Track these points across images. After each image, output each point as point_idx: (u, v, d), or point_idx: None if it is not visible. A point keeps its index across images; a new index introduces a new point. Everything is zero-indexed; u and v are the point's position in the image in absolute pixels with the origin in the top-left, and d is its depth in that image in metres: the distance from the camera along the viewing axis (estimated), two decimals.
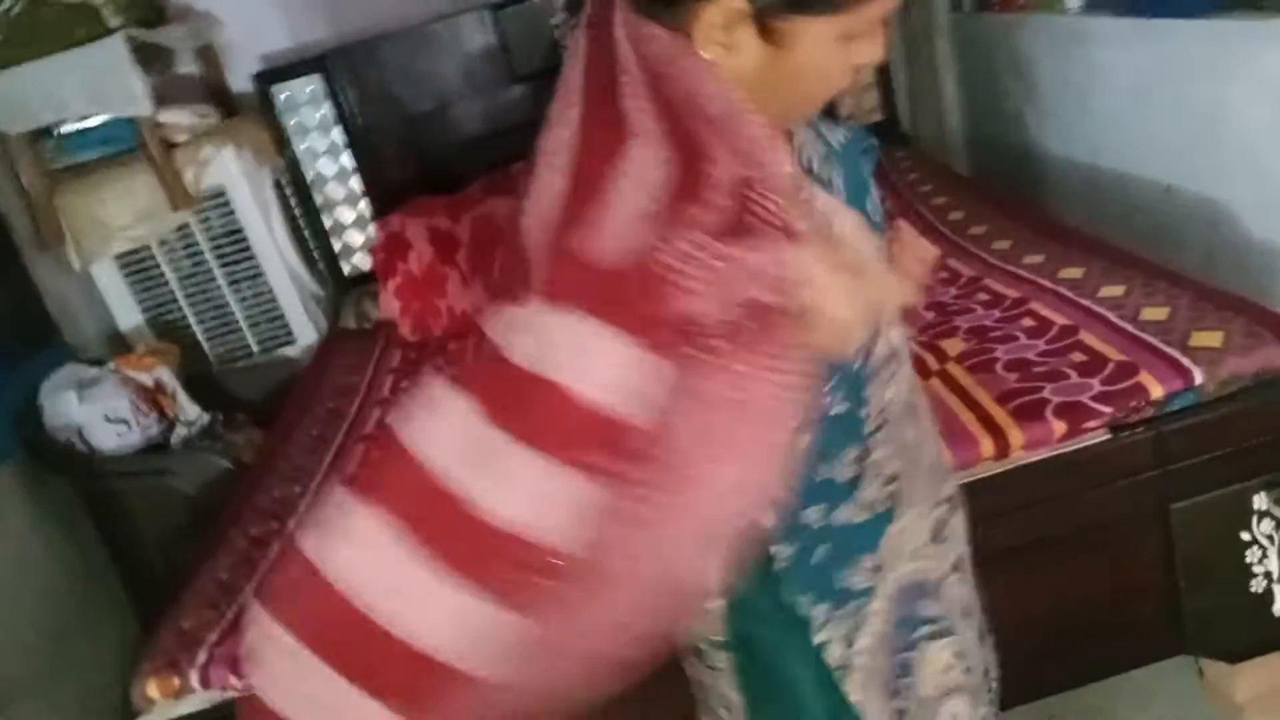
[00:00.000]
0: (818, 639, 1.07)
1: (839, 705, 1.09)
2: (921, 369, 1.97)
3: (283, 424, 2.67)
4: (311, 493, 2.18)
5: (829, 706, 1.09)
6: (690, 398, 0.76)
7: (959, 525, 1.21)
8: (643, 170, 0.81)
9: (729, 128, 0.82)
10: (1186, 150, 2.43)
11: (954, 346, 2.03)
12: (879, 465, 1.06)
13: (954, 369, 1.94)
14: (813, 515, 1.04)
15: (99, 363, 2.78)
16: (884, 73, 3.55)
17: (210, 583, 1.93)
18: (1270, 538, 1.73)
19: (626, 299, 0.78)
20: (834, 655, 1.08)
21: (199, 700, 1.64)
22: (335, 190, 3.37)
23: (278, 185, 3.30)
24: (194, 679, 1.63)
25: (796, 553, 1.04)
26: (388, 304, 2.96)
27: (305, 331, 3.29)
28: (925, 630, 1.14)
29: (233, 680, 1.62)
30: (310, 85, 3.27)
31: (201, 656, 1.66)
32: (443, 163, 3.33)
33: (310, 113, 3.29)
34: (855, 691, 1.09)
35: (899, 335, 1.09)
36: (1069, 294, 2.11)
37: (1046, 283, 2.20)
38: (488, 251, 2.85)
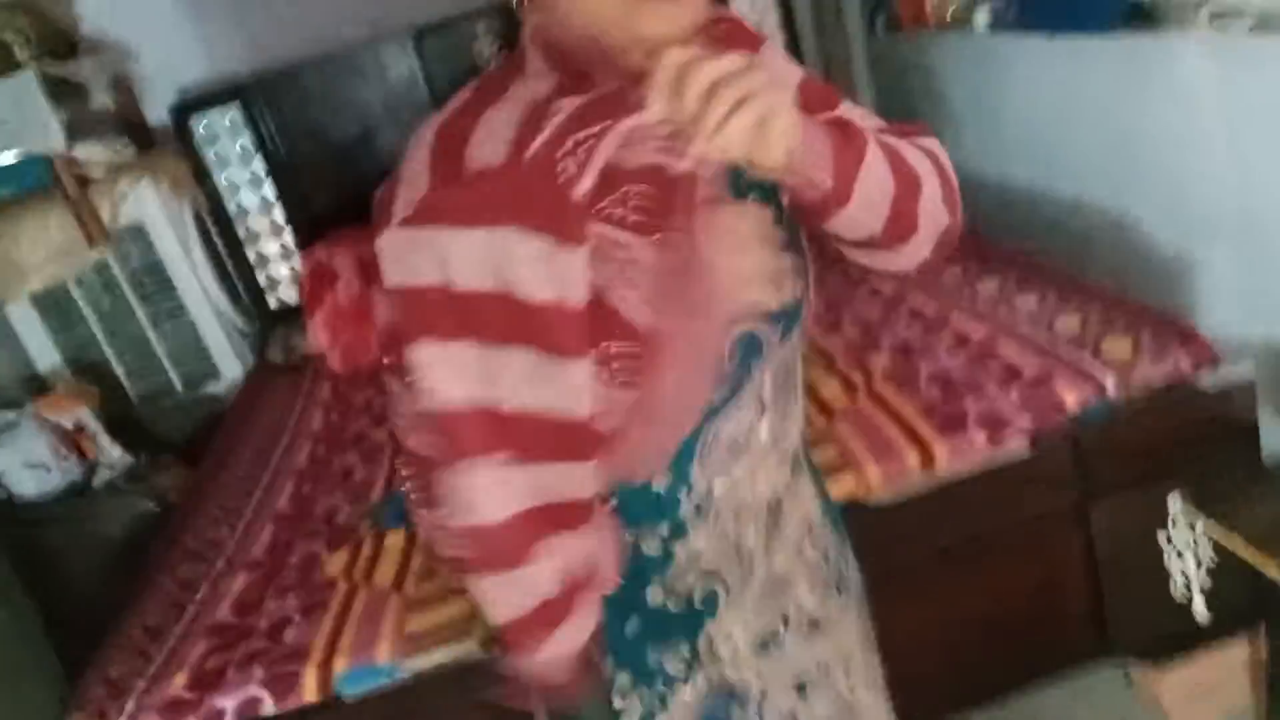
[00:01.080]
0: (617, 703, 1.03)
1: None
2: (848, 386, 2.01)
3: (210, 463, 2.63)
4: (241, 533, 2.15)
5: None
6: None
7: (823, 648, 1.13)
8: (514, 104, 0.85)
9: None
10: (1097, 164, 2.51)
11: (879, 363, 2.08)
12: (697, 557, 1.01)
13: (879, 385, 1.98)
14: None
15: (16, 405, 2.70)
16: None
17: (138, 629, 1.89)
18: (1186, 539, 1.79)
19: (523, 201, 0.81)
20: None
21: None
22: (258, 222, 3.33)
23: (198, 218, 3.25)
24: None
25: (605, 613, 1.00)
26: (316, 336, 2.92)
27: (231, 367, 3.24)
28: None
29: None
30: (229, 115, 3.23)
31: (130, 705, 1.62)
32: (368, 191, 3.29)
33: (229, 143, 3.25)
34: None
35: (769, 435, 1.03)
36: (985, 307, 2.17)
37: (964, 296, 2.27)
38: None
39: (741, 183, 0.94)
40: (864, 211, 0.90)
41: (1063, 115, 2.60)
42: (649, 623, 1.03)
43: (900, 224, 0.94)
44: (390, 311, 0.86)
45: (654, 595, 1.02)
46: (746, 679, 1.08)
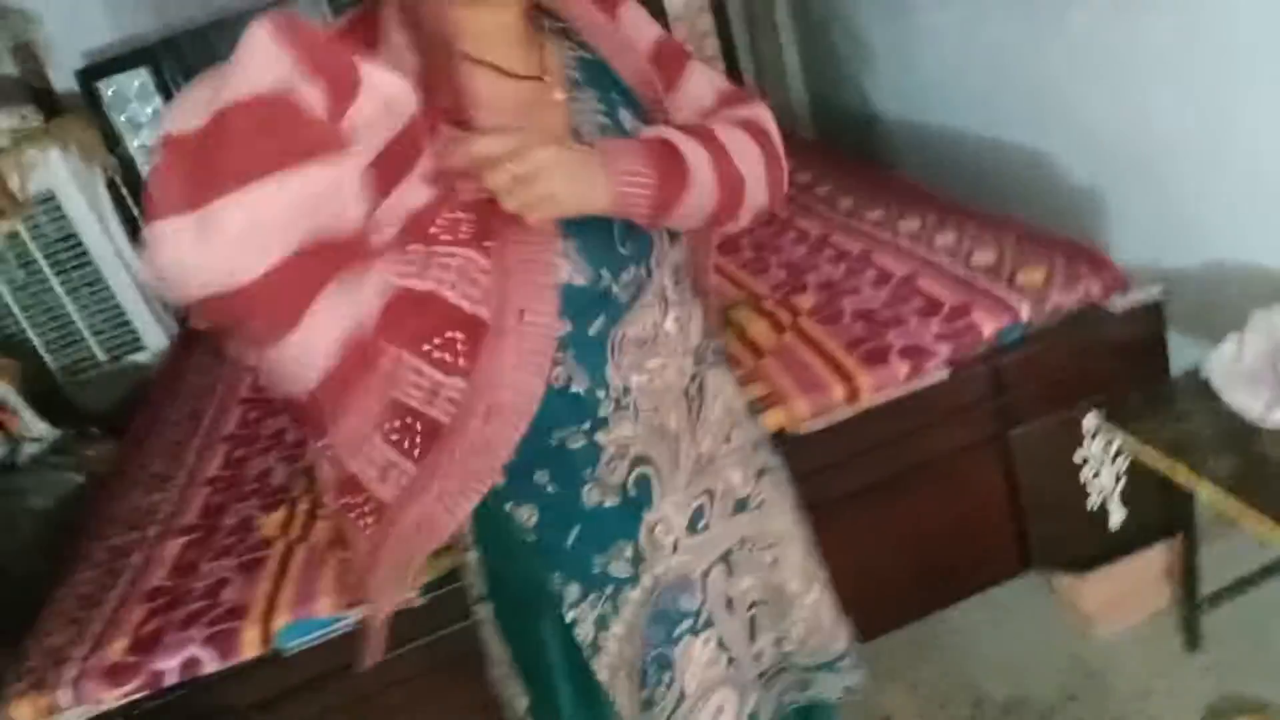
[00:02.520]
0: (569, 616, 1.07)
1: (587, 679, 1.10)
2: (775, 324, 2.05)
3: (138, 432, 2.58)
4: (174, 499, 2.12)
5: (576, 678, 1.11)
6: None
7: (747, 525, 1.20)
8: None
9: None
10: (1010, 105, 2.57)
11: (805, 301, 2.12)
12: (623, 443, 1.06)
13: (806, 322, 2.02)
14: (543, 478, 1.05)
15: None
16: (728, 42, 3.64)
17: (73, 599, 1.87)
18: (1102, 455, 1.87)
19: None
20: (584, 634, 1.08)
21: (72, 716, 1.58)
22: None
23: (112, 185, 3.17)
24: (63, 696, 1.57)
25: (541, 525, 1.06)
26: None
27: (155, 336, 3.18)
28: (686, 625, 1.13)
29: (104, 693, 1.57)
30: (138, 79, 3.14)
31: (71, 672, 1.60)
32: None
33: (140, 107, 3.16)
34: (602, 671, 1.09)
35: (676, 326, 1.09)
36: (907, 245, 2.22)
37: (887, 235, 2.31)
38: None
39: None
40: (686, 221, 1.04)
41: (973, 59, 2.65)
42: (589, 528, 1.07)
43: (720, 219, 1.08)
44: None
45: (590, 496, 1.07)
46: (687, 562, 1.13)
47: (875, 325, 1.91)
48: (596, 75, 1.08)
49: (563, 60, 1.07)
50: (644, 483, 1.09)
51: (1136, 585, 1.97)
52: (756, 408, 1.65)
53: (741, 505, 1.19)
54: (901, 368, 1.77)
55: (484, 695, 1.29)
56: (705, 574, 1.15)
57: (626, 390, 1.05)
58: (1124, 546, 1.93)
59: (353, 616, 1.61)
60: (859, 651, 1.36)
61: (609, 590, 1.09)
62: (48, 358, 3.11)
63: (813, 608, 1.28)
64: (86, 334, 3.13)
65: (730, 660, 1.16)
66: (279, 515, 1.92)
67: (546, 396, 0.99)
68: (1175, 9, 1.88)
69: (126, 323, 3.16)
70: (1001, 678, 1.96)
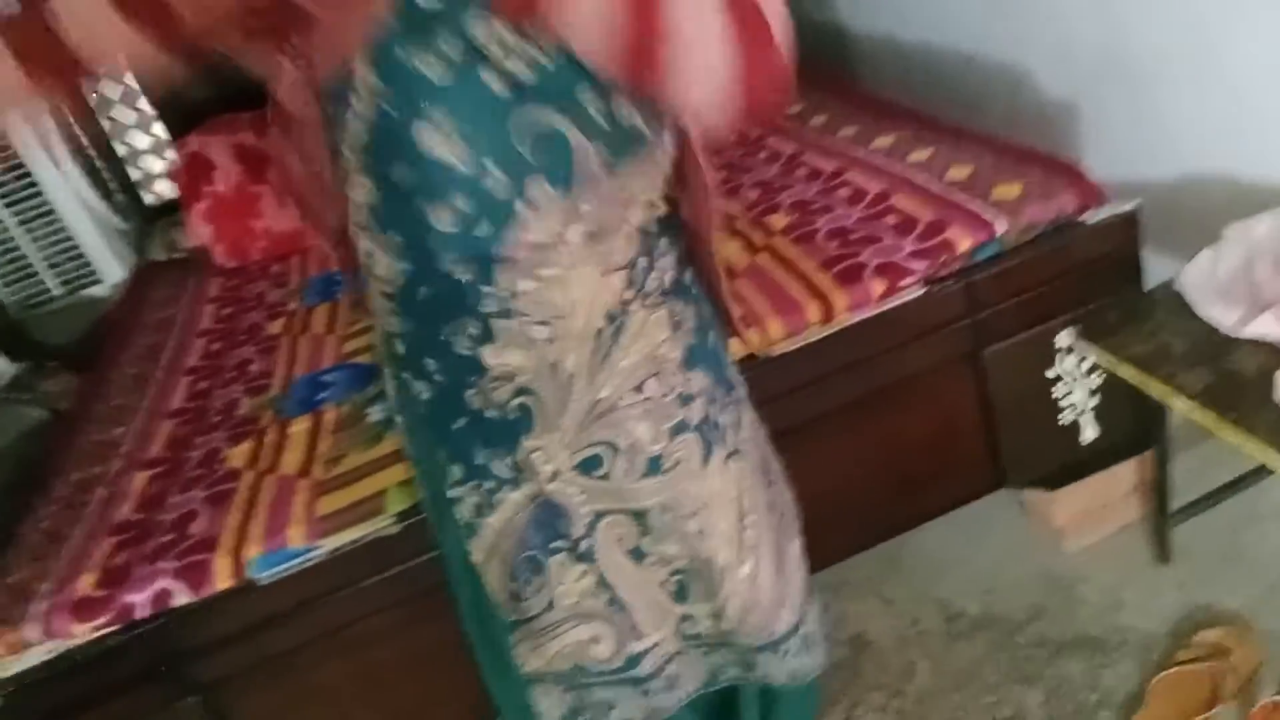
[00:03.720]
0: (450, 493, 1.13)
1: (466, 551, 1.16)
2: (749, 245, 2.02)
3: (99, 367, 2.52)
4: (136, 432, 2.08)
5: (458, 545, 1.17)
6: None
7: (660, 486, 1.16)
8: None
9: None
10: (987, 17, 2.52)
11: (778, 221, 2.08)
12: (508, 372, 1.07)
13: (779, 242, 1.99)
14: (431, 366, 1.09)
15: None
16: None
17: (37, 534, 1.83)
18: (1074, 371, 1.87)
19: None
20: (462, 513, 1.14)
21: (40, 653, 1.56)
22: (124, 114, 3.15)
23: (58, 112, 3.05)
24: (32, 631, 1.55)
25: (431, 402, 1.11)
26: (197, 230, 2.81)
27: (111, 268, 3.10)
28: (561, 544, 1.15)
29: (73, 627, 1.55)
30: None
31: (41, 606, 1.57)
32: (241, 76, 3.13)
33: None
34: (477, 553, 1.15)
35: (583, 239, 1.04)
36: (881, 162, 2.18)
37: (860, 153, 2.27)
38: None
39: None
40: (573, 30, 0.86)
41: None
42: (473, 423, 1.10)
43: (633, 66, 0.88)
44: None
45: (473, 400, 1.09)
46: (570, 495, 1.14)
47: (849, 244, 1.88)
48: None
49: None
50: (524, 411, 1.09)
51: (1107, 500, 1.99)
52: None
53: (654, 466, 1.14)
54: (877, 286, 1.75)
55: (458, 625, 1.29)
56: (600, 515, 1.15)
57: (514, 294, 1.04)
58: (1096, 462, 1.94)
59: (325, 546, 1.59)
60: (811, 634, 1.35)
61: (489, 485, 1.12)
62: (2, 293, 3.03)
63: (747, 582, 1.23)
64: (40, 268, 3.05)
65: (613, 601, 1.18)
66: (246, 447, 1.89)
67: (436, 280, 1.03)
68: None
69: (81, 256, 3.07)
70: (973, 593, 1.98)
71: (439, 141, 0.95)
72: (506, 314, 1.04)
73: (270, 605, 1.60)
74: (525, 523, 1.13)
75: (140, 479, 1.89)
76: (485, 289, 1.03)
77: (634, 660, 1.21)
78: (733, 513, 1.21)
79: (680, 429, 1.15)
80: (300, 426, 1.90)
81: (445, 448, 1.12)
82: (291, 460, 1.80)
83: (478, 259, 1.02)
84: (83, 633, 1.55)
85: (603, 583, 1.17)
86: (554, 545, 1.15)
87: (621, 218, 1.07)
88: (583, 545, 1.15)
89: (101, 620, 1.55)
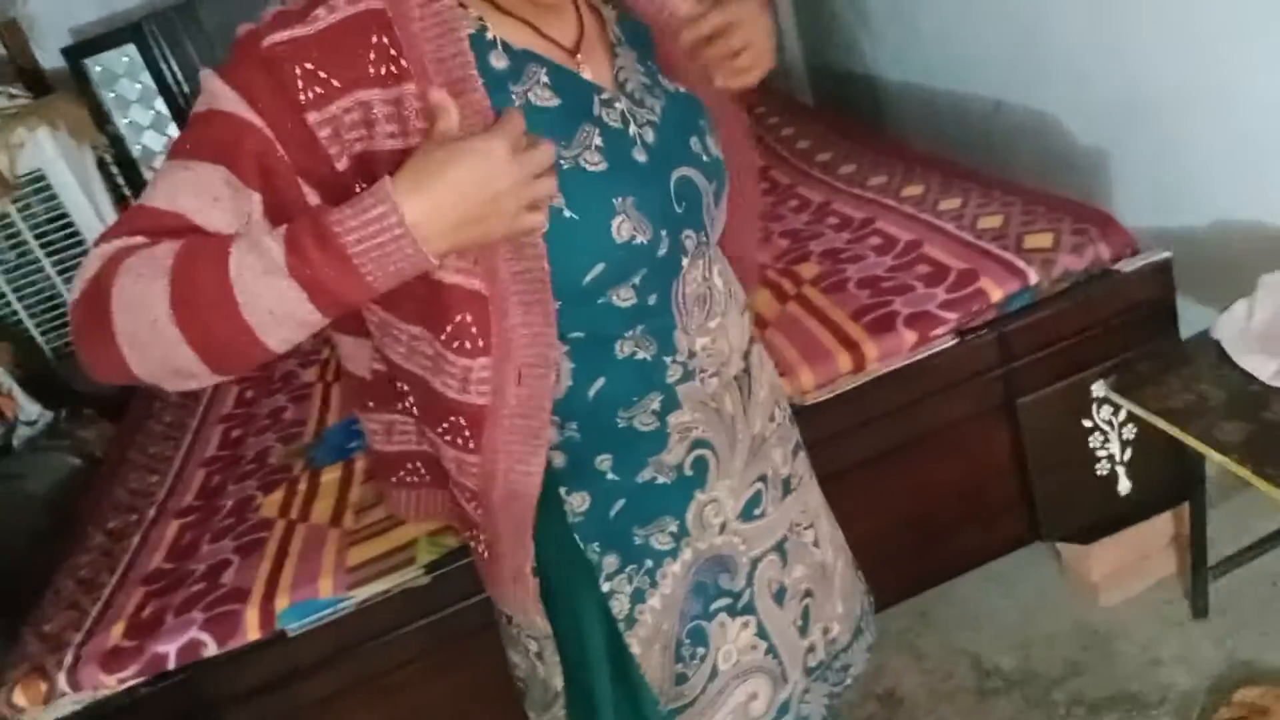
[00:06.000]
0: (605, 587, 1.04)
1: (622, 651, 1.06)
2: (779, 294, 2.02)
3: (134, 414, 2.56)
4: (170, 481, 2.10)
5: (611, 649, 1.07)
6: None
7: (793, 507, 1.18)
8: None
9: None
10: (1012, 65, 2.53)
11: (809, 270, 2.08)
12: (685, 427, 1.04)
13: (809, 291, 1.99)
14: (605, 463, 1.01)
15: None
16: None
17: (70, 582, 1.85)
18: (1110, 422, 1.84)
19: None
20: (619, 607, 1.05)
21: (69, 703, 1.57)
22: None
23: (101, 164, 3.12)
24: (62, 681, 1.56)
25: (590, 508, 1.02)
26: None
27: None
28: (723, 603, 1.10)
29: (103, 678, 1.55)
30: (125, 56, 3.09)
31: (69, 658, 1.58)
32: None
33: (129, 85, 3.11)
34: (636, 645, 1.06)
35: (722, 282, 1.05)
36: (911, 210, 2.18)
37: (890, 202, 2.27)
38: None
39: None
40: None
41: (975, 18, 2.61)
42: (634, 502, 1.03)
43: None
44: None
45: (645, 474, 1.03)
46: (734, 544, 1.10)
47: (880, 293, 1.88)
48: (637, 35, 1.03)
49: (604, 19, 1.02)
50: (701, 464, 1.06)
51: (1144, 553, 1.96)
52: None
53: (787, 487, 1.17)
54: (908, 336, 1.74)
55: (488, 674, 1.27)
56: (756, 561, 1.12)
57: (693, 354, 1.02)
58: (1132, 514, 1.91)
59: (355, 597, 1.59)
60: (869, 614, 1.34)
61: (648, 564, 1.05)
62: (40, 339, 3.08)
63: (843, 574, 1.26)
64: None
65: (770, 650, 1.14)
66: (278, 495, 1.90)
67: (612, 368, 0.97)
68: None
69: None
70: (1008, 649, 1.95)
71: (629, 226, 0.93)
72: (689, 376, 1.02)
73: (300, 656, 1.60)
74: (685, 593, 1.08)
75: (173, 527, 1.90)
76: (667, 359, 1.00)
77: (784, 708, 1.18)
78: (825, 514, 1.26)
79: (798, 447, 1.21)
80: (332, 475, 1.91)
81: (598, 541, 1.04)
82: (323, 509, 1.81)
83: (656, 331, 0.99)
84: (112, 684, 1.56)
85: (761, 632, 1.13)
86: (714, 607, 1.10)
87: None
88: (744, 597, 1.12)
89: (131, 671, 1.55)
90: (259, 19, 0.86)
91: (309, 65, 0.82)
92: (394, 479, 1.16)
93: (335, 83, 0.82)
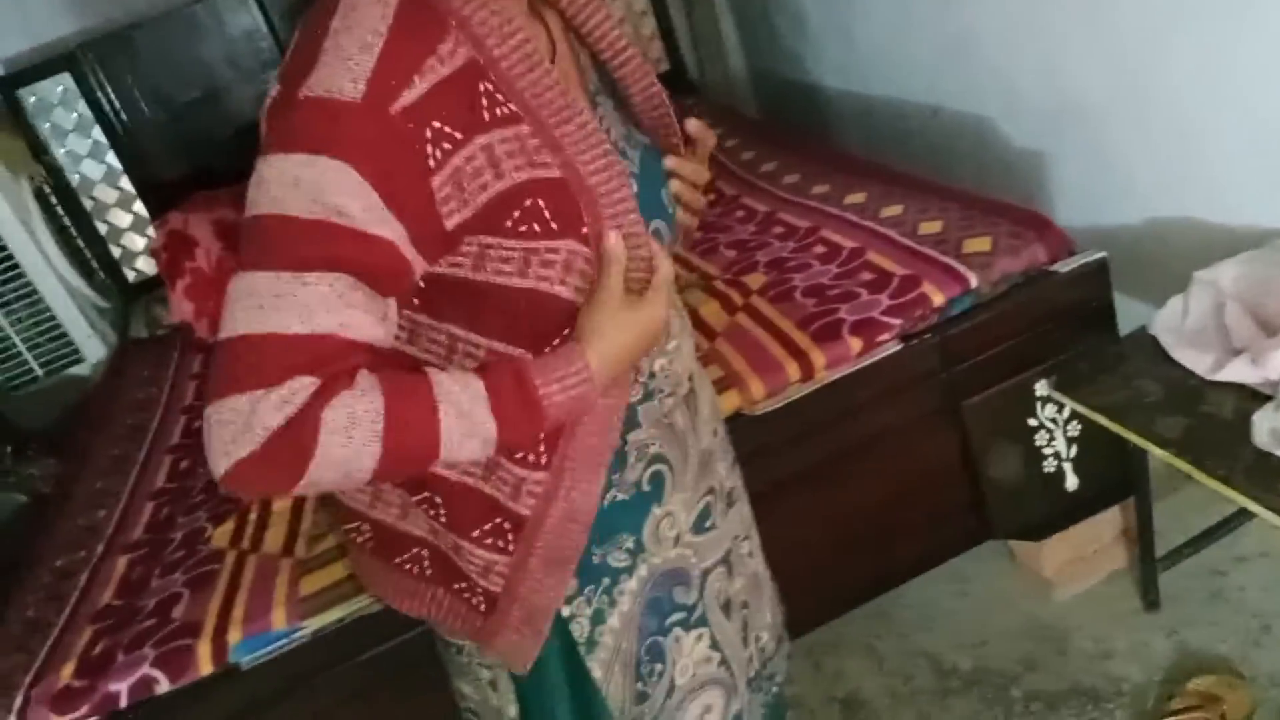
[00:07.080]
0: (565, 611, 1.04)
1: (582, 677, 1.07)
2: (727, 305, 2.03)
3: (79, 448, 2.51)
4: (119, 515, 2.07)
5: (571, 676, 1.07)
6: None
7: (735, 519, 1.20)
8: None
9: None
10: (946, 72, 2.57)
11: (756, 280, 2.10)
12: (644, 444, 1.05)
13: (757, 301, 2.00)
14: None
15: None
16: (666, 22, 3.60)
17: (18, 624, 1.80)
18: (1054, 420, 1.87)
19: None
20: (580, 630, 1.05)
21: None
22: (105, 193, 3.16)
23: (39, 195, 3.06)
24: None
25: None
26: (179, 307, 2.80)
27: (93, 347, 3.09)
28: (678, 617, 1.11)
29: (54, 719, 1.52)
30: (60, 85, 3.04)
31: (18, 700, 1.55)
32: (219, 153, 3.16)
33: (65, 114, 3.07)
34: (598, 669, 1.06)
35: (676, 310, 1.08)
36: (854, 218, 2.20)
37: (834, 210, 2.30)
38: None
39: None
40: None
41: (909, 28, 2.65)
42: (597, 520, 1.02)
43: None
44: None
45: (607, 495, 1.04)
46: (687, 557, 1.12)
47: (826, 301, 1.90)
48: (604, 83, 1.05)
49: (582, 69, 1.03)
50: (658, 479, 1.07)
51: (1094, 547, 1.99)
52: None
53: (730, 499, 1.20)
54: (854, 343, 1.76)
55: (444, 704, 1.26)
56: (706, 573, 1.14)
57: (652, 375, 1.04)
58: (1081, 510, 1.94)
59: (309, 627, 1.57)
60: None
61: (605, 582, 1.06)
62: None
63: (769, 583, 1.29)
64: (22, 349, 3.04)
65: (722, 662, 1.16)
66: (229, 525, 1.87)
67: None
68: None
69: (63, 335, 3.06)
70: (965, 647, 1.97)
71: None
72: (649, 396, 1.04)
73: (254, 690, 1.58)
74: (641, 610, 1.08)
75: (122, 563, 1.87)
76: (634, 378, 1.01)
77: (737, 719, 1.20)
78: (753, 525, 1.28)
79: (735, 461, 1.25)
80: (283, 504, 1.88)
81: None
82: (274, 537, 1.79)
83: None
84: None
85: (714, 644, 1.15)
86: (670, 621, 1.11)
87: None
88: (698, 609, 1.13)
89: (82, 711, 1.52)
90: (309, 67, 0.78)
91: (437, 124, 0.79)
92: (395, 560, 1.08)
93: (458, 135, 0.80)
